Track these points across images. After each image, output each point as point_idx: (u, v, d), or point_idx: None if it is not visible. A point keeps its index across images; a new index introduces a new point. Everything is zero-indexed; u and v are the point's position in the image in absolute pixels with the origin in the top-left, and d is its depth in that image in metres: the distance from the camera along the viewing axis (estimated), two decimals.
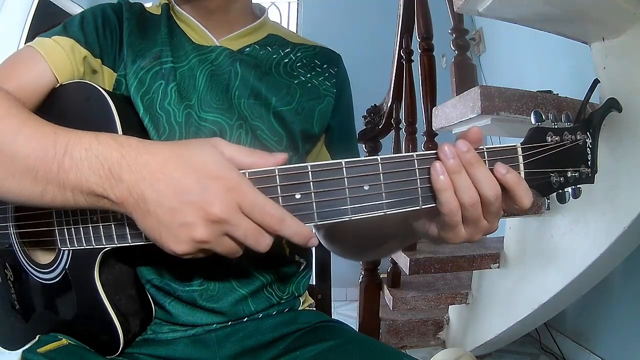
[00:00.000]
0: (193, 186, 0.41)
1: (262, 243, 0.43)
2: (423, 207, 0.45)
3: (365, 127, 2.05)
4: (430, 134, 1.57)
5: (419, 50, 1.65)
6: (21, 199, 0.46)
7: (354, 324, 1.84)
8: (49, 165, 0.43)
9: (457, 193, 0.44)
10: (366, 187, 0.44)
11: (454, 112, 1.25)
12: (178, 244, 0.42)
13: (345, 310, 2.69)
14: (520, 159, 0.46)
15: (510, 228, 1.57)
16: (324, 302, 0.93)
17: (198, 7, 0.69)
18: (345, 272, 1.50)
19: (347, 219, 0.45)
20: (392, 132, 2.03)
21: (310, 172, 0.44)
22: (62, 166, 0.43)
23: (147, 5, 0.72)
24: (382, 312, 1.83)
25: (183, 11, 0.69)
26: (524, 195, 0.45)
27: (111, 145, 0.43)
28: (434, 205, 0.46)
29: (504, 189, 0.45)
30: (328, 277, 0.95)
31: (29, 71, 0.58)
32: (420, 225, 0.52)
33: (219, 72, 0.66)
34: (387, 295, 1.79)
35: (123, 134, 0.53)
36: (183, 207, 0.41)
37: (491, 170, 0.45)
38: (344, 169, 0.44)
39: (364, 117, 2.07)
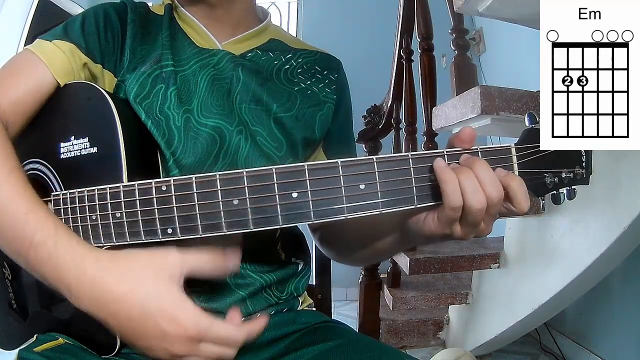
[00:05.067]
0: (154, 330, 0.45)
1: (228, 357, 0.48)
2: (418, 206, 0.46)
3: (365, 127, 2.04)
4: (430, 134, 1.57)
5: (419, 50, 1.65)
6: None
7: (354, 324, 1.84)
8: (19, 246, 0.46)
9: (465, 196, 0.44)
10: (362, 186, 0.44)
11: (454, 112, 1.25)
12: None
13: (345, 310, 2.68)
14: (514, 159, 0.47)
15: (510, 228, 1.56)
16: (323, 302, 0.92)
17: (201, 6, 0.67)
18: (345, 272, 1.49)
19: (344, 217, 0.45)
20: (392, 132, 2.02)
21: (306, 171, 0.44)
22: (28, 255, 0.46)
23: (151, 3, 0.70)
24: (382, 312, 1.82)
25: (187, 12, 0.68)
26: (523, 198, 0.45)
27: (67, 266, 0.45)
28: (429, 204, 0.46)
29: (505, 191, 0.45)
30: (328, 277, 0.94)
31: (30, 80, 0.58)
32: (414, 222, 0.51)
33: (221, 77, 0.65)
34: (387, 295, 1.79)
35: (123, 136, 0.53)
36: (146, 344, 0.46)
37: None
38: (340, 168, 0.44)
39: (364, 117, 2.06)
